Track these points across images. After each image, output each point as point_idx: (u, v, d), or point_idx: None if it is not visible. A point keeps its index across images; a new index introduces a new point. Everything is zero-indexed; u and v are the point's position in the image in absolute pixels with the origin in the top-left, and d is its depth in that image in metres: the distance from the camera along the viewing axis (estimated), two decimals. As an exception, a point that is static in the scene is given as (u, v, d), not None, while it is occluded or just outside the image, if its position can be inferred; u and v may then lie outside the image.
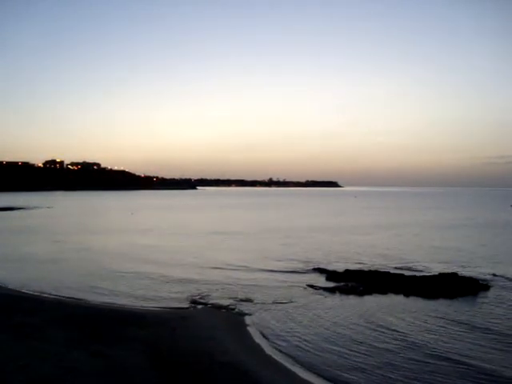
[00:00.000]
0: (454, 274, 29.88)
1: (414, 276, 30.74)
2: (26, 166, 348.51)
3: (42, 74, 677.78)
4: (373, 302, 25.37)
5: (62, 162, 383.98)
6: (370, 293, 27.01)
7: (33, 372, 13.53)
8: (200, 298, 25.59)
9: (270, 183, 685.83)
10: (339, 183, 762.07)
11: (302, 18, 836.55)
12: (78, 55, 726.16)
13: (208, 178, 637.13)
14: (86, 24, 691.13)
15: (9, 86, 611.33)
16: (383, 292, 27.17)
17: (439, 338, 19.31)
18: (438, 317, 22.34)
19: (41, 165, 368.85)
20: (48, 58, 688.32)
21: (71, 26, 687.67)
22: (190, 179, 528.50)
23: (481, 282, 29.24)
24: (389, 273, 31.61)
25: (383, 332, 20.08)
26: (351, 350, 17.77)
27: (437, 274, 30.64)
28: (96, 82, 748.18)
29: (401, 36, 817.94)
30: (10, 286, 28.10)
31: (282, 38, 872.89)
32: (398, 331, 20.18)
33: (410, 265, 36.30)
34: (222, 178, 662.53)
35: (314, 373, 15.88)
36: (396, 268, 34.67)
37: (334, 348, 18.00)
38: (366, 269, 33.43)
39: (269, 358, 17.05)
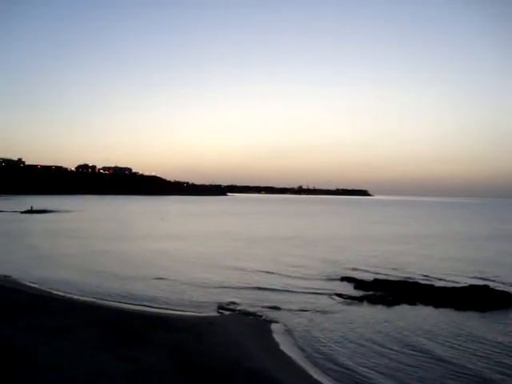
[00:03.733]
0: (486, 287, 29.36)
1: (444, 287, 30.33)
2: (59, 170, 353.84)
3: (75, 82, 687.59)
4: (401, 312, 25.09)
5: (94, 167, 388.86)
6: (398, 303, 26.70)
7: (62, 373, 13.70)
8: (227, 305, 25.64)
9: (300, 191, 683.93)
10: (369, 192, 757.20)
11: (327, 29, 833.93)
12: (112, 62, 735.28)
13: (238, 184, 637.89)
14: (117, 27, 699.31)
15: (45, 93, 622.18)
16: (412, 302, 26.81)
17: (466, 354, 18.93)
18: (467, 331, 21.81)
19: (73, 169, 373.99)
20: (84, 67, 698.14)
21: (101, 30, 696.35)
22: (220, 185, 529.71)
23: (513, 295, 28.64)
24: (418, 283, 31.27)
25: (411, 345, 19.70)
26: (376, 363, 17.56)
27: (467, 285, 30.19)
28: (131, 89, 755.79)
29: (434, 44, 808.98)
30: (41, 287, 28.53)
31: (313, 48, 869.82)
32: (427, 345, 19.80)
33: (439, 275, 35.75)
34: (251, 185, 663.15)
35: (340, 382, 15.77)
36: (425, 278, 34.25)
37: (362, 361, 17.76)
38: (394, 278, 33.11)
39: (294, 366, 16.99)
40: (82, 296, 26.73)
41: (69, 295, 26.75)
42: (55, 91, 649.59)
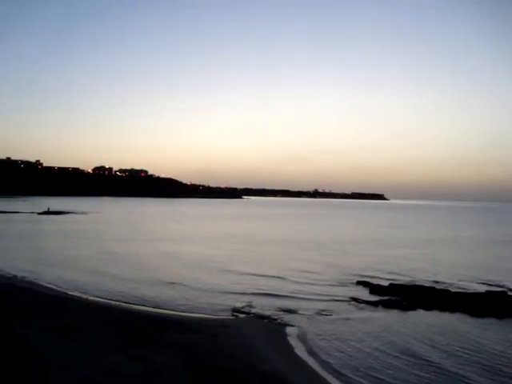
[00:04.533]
0: (503, 293, 28.99)
1: (460, 292, 29.96)
2: (76, 172, 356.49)
3: (91, 84, 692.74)
4: (417, 317, 24.82)
5: (110, 169, 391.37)
6: (413, 308, 26.43)
7: (76, 373, 13.74)
8: (242, 307, 25.58)
9: (315, 194, 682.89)
10: (385, 196, 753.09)
11: (343, 32, 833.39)
12: (129, 64, 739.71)
13: (253, 187, 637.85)
14: (132, 28, 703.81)
15: (63, 95, 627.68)
16: (428, 308, 26.52)
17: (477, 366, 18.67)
18: (483, 341, 21.38)
19: (90, 171, 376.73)
20: (100, 68, 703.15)
21: (116, 31, 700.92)
22: (235, 188, 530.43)
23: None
24: (434, 288, 30.95)
25: (427, 354, 19.38)
26: (391, 370, 17.33)
27: (484, 291, 29.86)
28: (148, 91, 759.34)
29: (447, 45, 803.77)
30: (56, 288, 28.70)
31: (328, 52, 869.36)
32: (444, 355, 19.41)
33: (455, 281, 35.35)
34: (267, 188, 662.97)
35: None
36: (441, 283, 33.92)
37: (377, 367, 17.46)
38: (410, 283, 32.84)
39: (309, 370, 16.85)
40: (95, 297, 26.84)
41: (83, 296, 26.88)
42: (72, 93, 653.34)
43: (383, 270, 40.14)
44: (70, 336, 17.34)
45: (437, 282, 34.68)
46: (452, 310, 26.06)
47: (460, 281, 35.63)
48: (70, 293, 27.53)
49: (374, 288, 31.52)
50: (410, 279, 35.29)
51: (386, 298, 28.61)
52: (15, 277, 31.41)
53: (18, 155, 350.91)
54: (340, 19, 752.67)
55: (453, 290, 31.05)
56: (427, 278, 35.97)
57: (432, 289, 30.60)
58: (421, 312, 25.90)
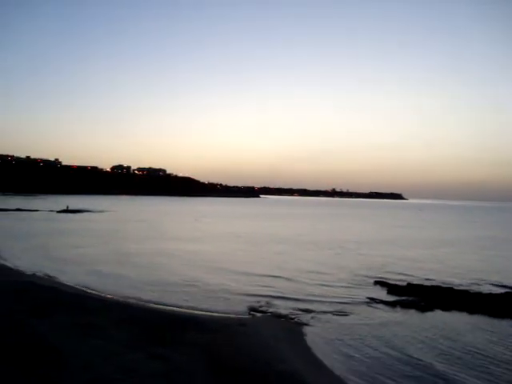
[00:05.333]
0: (524, 294, 28.74)
1: (479, 293, 29.73)
2: (95, 171, 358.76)
3: (111, 83, 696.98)
4: (435, 318, 24.61)
5: (128, 168, 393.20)
6: (431, 309, 26.23)
7: (95, 371, 13.89)
8: (259, 306, 25.59)
9: (333, 193, 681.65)
10: (404, 195, 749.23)
11: (361, 31, 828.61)
12: (146, 66, 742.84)
13: (271, 186, 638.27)
14: (149, 26, 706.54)
15: (82, 94, 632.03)
16: (446, 308, 26.27)
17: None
18: (504, 340, 21.31)
19: (108, 169, 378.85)
20: (118, 67, 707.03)
21: (133, 29, 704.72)
22: (253, 187, 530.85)
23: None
24: (452, 289, 30.72)
25: (445, 354, 19.27)
26: (410, 371, 17.25)
27: (504, 292, 29.60)
28: (166, 90, 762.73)
29: (473, 43, 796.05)
30: (76, 286, 28.94)
31: (343, 52, 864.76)
32: (462, 356, 19.35)
33: (474, 281, 35.05)
34: (284, 187, 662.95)
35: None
36: (459, 284, 33.67)
37: (395, 368, 17.37)
38: (428, 283, 32.62)
39: (326, 371, 16.77)
40: (115, 295, 26.98)
41: (102, 294, 27.05)
42: (91, 92, 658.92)
43: (401, 270, 39.88)
44: (90, 334, 17.50)
45: (455, 282, 34.40)
46: (471, 311, 25.79)
47: (479, 282, 35.29)
48: (89, 291, 27.74)
49: (391, 288, 31.35)
50: (428, 279, 35.01)
51: (403, 298, 28.46)
52: (34, 274, 31.69)
53: (37, 154, 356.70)
54: (363, 18, 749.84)
55: (472, 290, 30.84)
56: (445, 279, 35.69)
57: (450, 289, 30.37)
58: (439, 313, 25.69)
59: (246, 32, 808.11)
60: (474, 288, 32.37)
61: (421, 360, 18.18)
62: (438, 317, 24.95)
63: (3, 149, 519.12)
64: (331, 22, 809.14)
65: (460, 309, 26.24)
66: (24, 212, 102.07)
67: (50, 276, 31.68)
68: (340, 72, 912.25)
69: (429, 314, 25.37)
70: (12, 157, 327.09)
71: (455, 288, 31.08)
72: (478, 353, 19.35)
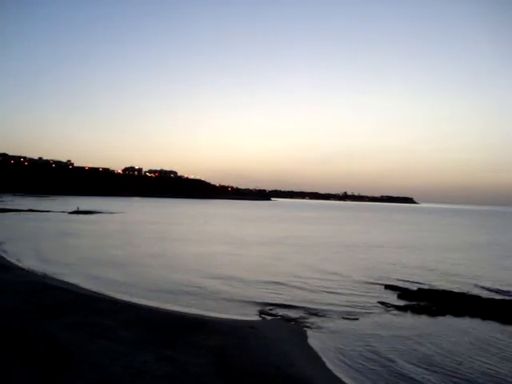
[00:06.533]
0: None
1: (492, 299, 29.46)
2: (107, 172, 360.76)
3: (123, 86, 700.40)
4: (446, 324, 24.39)
5: (140, 170, 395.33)
6: (443, 314, 25.99)
7: (104, 371, 13.92)
8: (269, 309, 25.52)
9: (345, 197, 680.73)
10: (415, 199, 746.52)
11: (377, 35, 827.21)
12: (160, 68, 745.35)
13: (282, 189, 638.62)
14: (161, 27, 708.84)
15: (94, 96, 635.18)
16: (458, 314, 26.01)
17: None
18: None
19: (120, 171, 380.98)
20: (130, 69, 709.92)
21: (143, 30, 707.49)
22: (264, 190, 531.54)
23: None
24: (464, 294, 30.51)
25: (457, 361, 19.04)
26: (420, 378, 17.15)
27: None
28: (176, 95, 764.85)
29: (482, 48, 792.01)
30: (86, 287, 29.03)
31: (357, 55, 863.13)
32: (478, 360, 19.13)
33: (487, 287, 34.73)
34: (295, 190, 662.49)
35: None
36: (472, 289, 33.42)
37: (406, 376, 17.23)
38: (439, 288, 32.43)
39: (334, 376, 16.63)
40: (124, 296, 27.03)
41: (112, 295, 27.08)
42: (103, 94, 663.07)
43: (412, 274, 39.61)
44: (99, 334, 17.56)
45: (468, 287, 34.16)
46: (483, 317, 25.51)
47: (492, 287, 34.96)
48: (100, 292, 27.79)
49: (402, 292, 31.17)
50: (440, 284, 34.77)
51: (414, 302, 28.24)
52: (46, 275, 31.85)
53: (49, 155, 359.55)
54: (374, 19, 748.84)
55: (484, 296, 30.62)
56: (457, 283, 35.45)
57: (462, 294, 30.16)
58: (450, 318, 25.43)
59: (257, 33, 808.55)
60: (488, 293, 32.11)
61: (430, 369, 18.04)
62: (449, 322, 24.70)
63: (16, 150, 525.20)
64: (345, 22, 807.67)
65: (472, 315, 25.96)
66: (36, 213, 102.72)
67: (61, 277, 31.77)
68: (349, 73, 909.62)
69: (440, 320, 25.12)
70: (24, 158, 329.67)
71: (468, 293, 30.88)
72: (487, 362, 19.22)
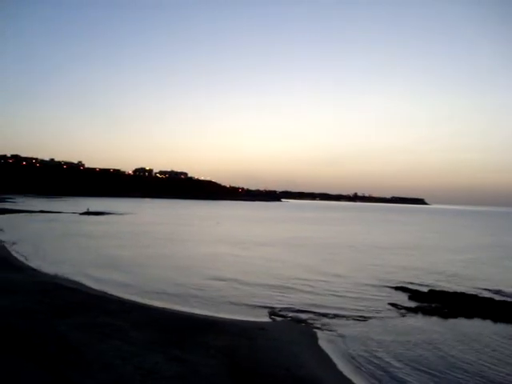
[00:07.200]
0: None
1: (505, 301, 29.30)
2: (117, 174, 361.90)
3: (134, 87, 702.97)
4: (457, 325, 24.23)
5: (150, 171, 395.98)
6: (454, 316, 25.85)
7: (114, 371, 13.98)
8: (279, 311, 25.49)
9: (355, 198, 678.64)
10: (426, 200, 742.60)
11: (384, 32, 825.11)
12: (169, 69, 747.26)
13: (292, 190, 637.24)
14: (174, 28, 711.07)
15: (104, 98, 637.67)
16: (469, 316, 25.87)
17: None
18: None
19: (131, 172, 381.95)
20: (141, 70, 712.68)
21: (155, 30, 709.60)
22: (274, 191, 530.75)
23: None
24: (475, 296, 30.34)
25: (467, 363, 18.98)
26: (430, 379, 17.07)
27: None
28: (187, 95, 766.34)
29: (487, 50, 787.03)
30: (97, 288, 29.13)
31: (368, 57, 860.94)
32: (488, 364, 19.03)
33: (499, 289, 34.52)
34: (306, 191, 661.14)
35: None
36: (483, 291, 33.20)
37: (417, 378, 17.21)
38: (451, 290, 32.27)
39: (345, 378, 16.59)
40: (135, 297, 27.11)
41: (123, 296, 27.17)
42: (113, 96, 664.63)
43: (421, 275, 39.47)
44: (110, 335, 17.63)
45: (480, 289, 33.98)
46: (495, 320, 25.37)
47: (505, 289, 34.66)
48: (111, 292, 27.90)
49: (413, 294, 31.08)
50: (450, 286, 34.60)
51: (425, 304, 28.16)
52: (57, 275, 31.99)
53: (61, 156, 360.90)
54: (379, 20, 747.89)
55: (497, 298, 30.41)
56: (469, 285, 35.25)
57: (474, 296, 30.01)
58: (461, 320, 25.28)
59: (269, 34, 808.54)
60: (500, 296, 31.90)
61: (441, 370, 17.94)
62: (460, 325, 24.55)
63: (28, 151, 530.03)
64: (348, 23, 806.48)
65: (484, 317, 25.79)
66: (47, 214, 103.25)
67: (72, 277, 31.92)
68: (359, 75, 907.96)
69: (451, 321, 24.99)
70: (36, 159, 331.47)
71: (479, 295, 30.71)
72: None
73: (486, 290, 34.09)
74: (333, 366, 17.76)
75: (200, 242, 60.13)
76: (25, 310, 20.42)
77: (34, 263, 36.86)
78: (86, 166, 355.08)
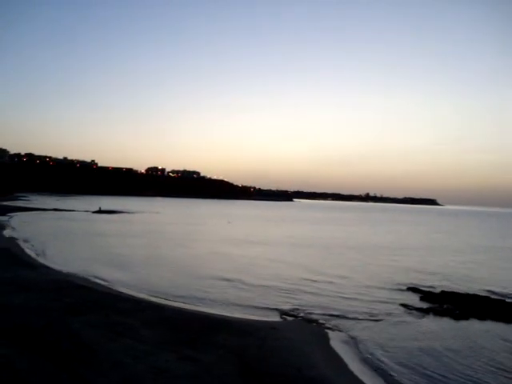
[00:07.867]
0: None
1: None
2: (130, 172, 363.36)
3: (147, 86, 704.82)
4: (469, 327, 24.03)
5: (163, 170, 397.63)
6: (466, 317, 25.64)
7: (126, 370, 14.08)
8: (291, 310, 25.48)
9: (367, 198, 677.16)
10: (438, 201, 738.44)
11: (413, 37, 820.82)
12: (182, 68, 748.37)
13: (304, 190, 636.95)
14: (189, 27, 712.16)
15: (118, 97, 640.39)
16: (481, 317, 25.68)
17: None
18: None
19: (143, 171, 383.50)
20: (152, 70, 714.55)
21: (169, 30, 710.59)
22: (286, 191, 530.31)
23: None
24: (488, 297, 30.17)
25: (479, 365, 18.88)
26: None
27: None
28: (200, 95, 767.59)
29: (498, 49, 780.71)
30: (110, 286, 29.31)
31: (377, 59, 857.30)
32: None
33: (508, 291, 34.30)
34: (318, 191, 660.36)
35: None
36: (496, 292, 33.02)
37: (429, 380, 17.17)
38: (462, 291, 32.12)
39: (357, 379, 16.53)
40: (147, 296, 27.21)
41: (136, 294, 27.28)
42: (126, 95, 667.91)
43: (435, 276, 39.27)
44: (122, 333, 17.74)
45: (492, 291, 33.76)
46: (507, 321, 25.23)
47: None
48: (123, 291, 28.03)
49: (425, 295, 30.92)
50: (462, 287, 34.42)
51: (437, 305, 28.02)
52: (70, 274, 32.17)
53: (74, 155, 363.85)
54: (395, 20, 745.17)
55: (508, 300, 30.22)
56: (482, 287, 35.01)
57: (486, 298, 29.84)
58: (473, 322, 25.07)
59: (283, 34, 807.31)
60: (510, 299, 31.65)
61: (454, 373, 17.86)
62: (472, 326, 24.37)
63: (41, 150, 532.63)
64: (361, 25, 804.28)
65: (496, 319, 25.56)
66: (60, 212, 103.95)
67: (85, 275, 32.09)
68: (370, 76, 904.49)
69: (463, 323, 24.78)
70: (50, 158, 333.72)
71: (492, 297, 30.54)
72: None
73: (497, 291, 33.85)
74: (344, 366, 17.68)
75: (211, 242, 60.21)
76: (39, 308, 20.63)
77: (48, 261, 37.13)
78: (99, 164, 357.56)
